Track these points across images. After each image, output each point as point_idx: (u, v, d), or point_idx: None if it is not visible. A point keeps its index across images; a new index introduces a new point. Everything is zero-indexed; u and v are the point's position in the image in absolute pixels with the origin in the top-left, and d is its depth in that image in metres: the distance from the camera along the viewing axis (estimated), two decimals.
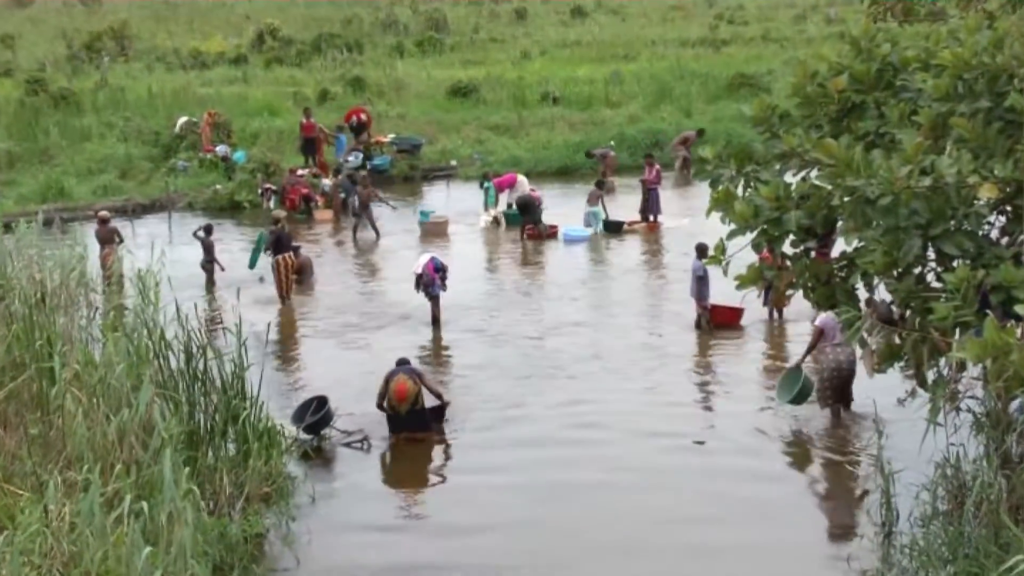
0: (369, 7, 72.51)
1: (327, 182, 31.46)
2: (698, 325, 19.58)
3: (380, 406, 15.38)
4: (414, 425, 15.30)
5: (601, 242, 27.01)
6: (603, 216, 27.74)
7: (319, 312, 21.81)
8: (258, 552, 12.15)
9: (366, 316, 21.22)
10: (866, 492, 13.20)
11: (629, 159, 35.23)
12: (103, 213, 24.74)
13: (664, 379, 17.54)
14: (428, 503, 13.97)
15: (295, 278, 23.38)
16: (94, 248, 22.63)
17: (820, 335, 15.55)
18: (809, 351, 15.87)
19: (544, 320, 20.83)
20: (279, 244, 22.42)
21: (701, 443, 15.14)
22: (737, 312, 19.65)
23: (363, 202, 28.47)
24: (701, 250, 18.91)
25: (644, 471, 14.22)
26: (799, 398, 15.64)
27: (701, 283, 19.29)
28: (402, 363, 15.63)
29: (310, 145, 35.46)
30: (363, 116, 36.53)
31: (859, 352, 16.07)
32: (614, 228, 27.74)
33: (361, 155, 34.91)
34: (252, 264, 23.55)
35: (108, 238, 23.15)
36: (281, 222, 23.16)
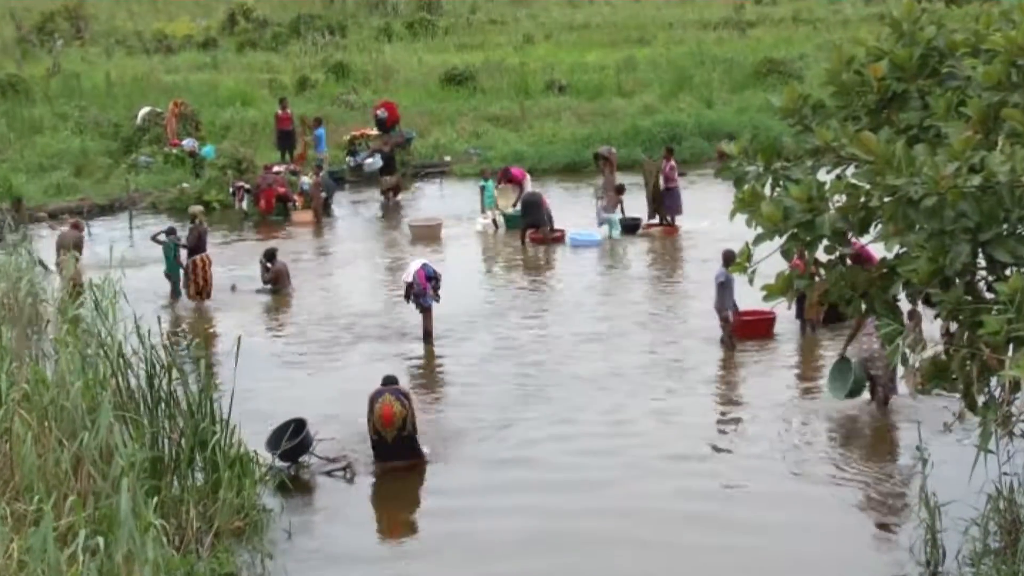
0: None
1: (306, 180, 31.44)
2: (723, 341, 19.54)
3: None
4: (402, 452, 15.27)
5: (613, 247, 27.00)
6: (617, 222, 27.65)
7: (297, 325, 21.81)
8: None
9: (349, 329, 21.21)
10: (908, 528, 13.18)
11: (644, 155, 35.17)
12: (76, 219, 25.23)
13: (683, 401, 17.52)
14: (418, 540, 13.96)
15: (270, 288, 23.47)
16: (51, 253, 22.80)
17: (861, 323, 15.99)
18: (850, 340, 16.62)
19: (549, 334, 20.83)
20: (198, 242, 22.81)
21: (729, 488, 14.88)
22: (767, 322, 19.64)
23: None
24: (728, 258, 18.89)
25: (658, 508, 14.15)
26: (855, 391, 16.36)
27: (723, 290, 19.22)
28: (389, 382, 15.59)
29: (287, 138, 35.46)
30: (379, 112, 35.94)
31: (901, 371, 16.17)
32: (630, 228, 27.74)
33: (380, 157, 34.15)
34: (173, 270, 23.35)
35: (71, 244, 23.29)
36: (198, 218, 23.51)
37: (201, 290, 22.79)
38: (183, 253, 23.14)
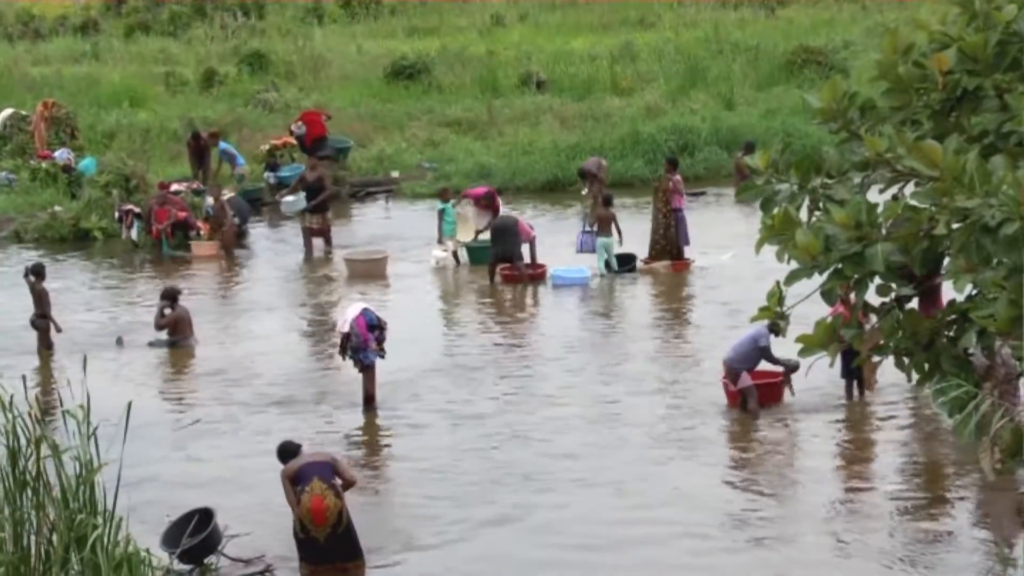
0: None
1: (211, 202, 31.28)
2: (749, 408, 19.57)
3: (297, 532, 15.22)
4: (337, 554, 15.19)
5: (607, 287, 27.04)
6: (615, 249, 27.61)
7: (202, 386, 21.76)
8: None
9: (268, 392, 21.15)
10: None
11: (646, 168, 35.28)
12: None
13: (696, 485, 17.52)
14: None
15: (167, 339, 23.45)
16: None
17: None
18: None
19: (524, 399, 20.82)
20: None
21: None
22: (775, 387, 19.67)
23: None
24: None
25: None
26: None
27: (756, 353, 19.25)
28: (289, 452, 15.37)
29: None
30: (294, 128, 35.01)
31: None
32: (624, 266, 27.69)
33: (303, 194, 30.44)
34: None
35: None
36: None
37: None
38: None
